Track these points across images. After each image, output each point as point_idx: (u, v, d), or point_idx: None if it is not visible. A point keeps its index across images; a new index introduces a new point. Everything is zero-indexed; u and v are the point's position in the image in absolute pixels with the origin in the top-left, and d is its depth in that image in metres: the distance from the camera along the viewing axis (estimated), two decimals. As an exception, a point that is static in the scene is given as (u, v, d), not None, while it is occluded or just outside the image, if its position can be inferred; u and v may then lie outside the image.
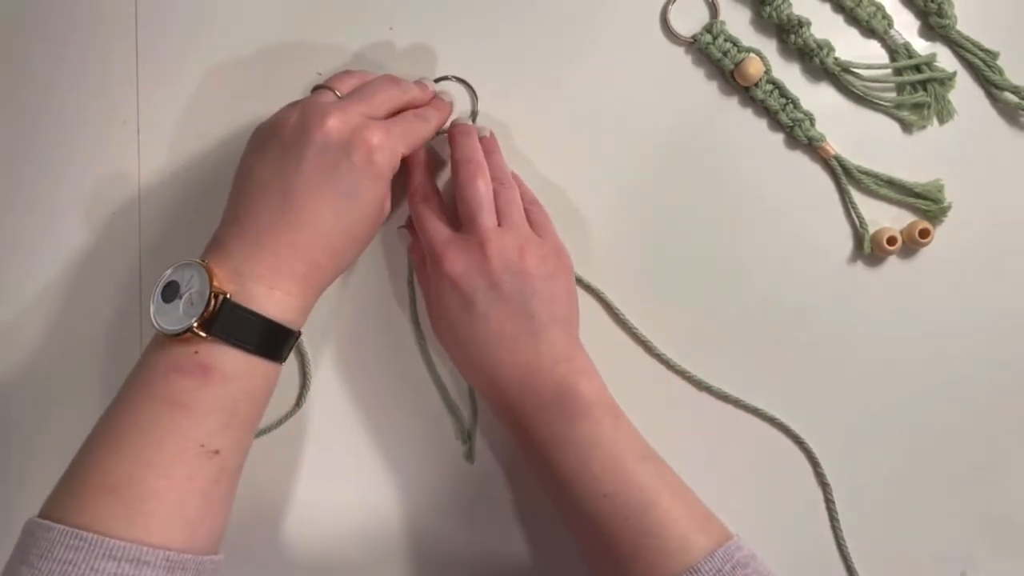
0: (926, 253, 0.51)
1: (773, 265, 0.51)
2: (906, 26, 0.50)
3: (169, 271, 0.41)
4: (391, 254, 0.51)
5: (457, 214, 0.46)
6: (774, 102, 0.50)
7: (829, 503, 0.51)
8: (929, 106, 0.50)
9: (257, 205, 0.42)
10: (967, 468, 0.51)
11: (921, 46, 0.50)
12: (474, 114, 0.50)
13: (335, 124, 0.42)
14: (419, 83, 0.48)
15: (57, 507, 0.38)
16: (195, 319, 0.39)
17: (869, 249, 0.50)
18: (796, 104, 0.50)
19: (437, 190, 0.48)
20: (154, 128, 0.51)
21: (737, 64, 0.49)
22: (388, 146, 0.43)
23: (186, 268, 0.40)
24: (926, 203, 0.50)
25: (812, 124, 0.50)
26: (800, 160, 0.51)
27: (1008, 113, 0.51)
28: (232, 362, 0.40)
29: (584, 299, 0.51)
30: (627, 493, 0.41)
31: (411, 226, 0.49)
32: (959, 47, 0.50)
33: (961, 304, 0.51)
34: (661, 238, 0.51)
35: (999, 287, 0.51)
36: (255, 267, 0.40)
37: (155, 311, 0.40)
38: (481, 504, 0.51)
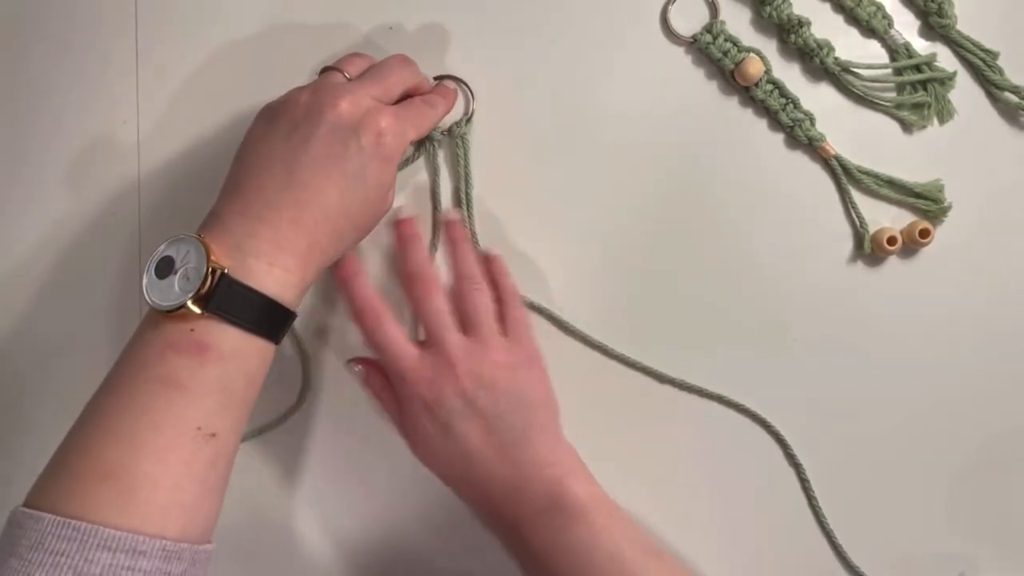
0: (926, 253, 0.51)
1: (773, 265, 0.51)
2: (906, 26, 0.50)
3: (163, 245, 0.39)
4: (391, 257, 0.51)
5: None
6: (774, 102, 0.50)
7: (804, 483, 0.51)
8: (929, 106, 0.50)
9: (261, 180, 0.41)
10: (967, 467, 0.51)
11: (921, 46, 0.50)
12: (471, 112, 0.50)
13: (347, 105, 0.41)
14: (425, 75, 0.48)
15: (46, 496, 0.36)
16: (191, 295, 0.37)
17: (869, 249, 0.50)
18: (796, 104, 0.50)
19: (384, 304, 0.45)
20: (154, 128, 0.51)
21: (737, 64, 0.49)
22: (398, 130, 0.43)
23: (182, 242, 0.39)
24: (926, 203, 0.50)
25: (812, 124, 0.50)
26: (800, 160, 0.51)
27: (1008, 113, 0.51)
28: (229, 340, 0.38)
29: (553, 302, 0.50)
30: None
31: (359, 360, 0.47)
32: (959, 47, 0.50)
33: (961, 304, 0.51)
34: (661, 238, 0.51)
35: (999, 287, 0.51)
36: (256, 243, 0.39)
37: (148, 286, 0.39)
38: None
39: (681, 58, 0.51)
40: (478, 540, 0.50)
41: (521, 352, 0.45)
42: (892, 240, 0.49)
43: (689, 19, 0.50)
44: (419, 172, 0.51)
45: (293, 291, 0.41)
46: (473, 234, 0.51)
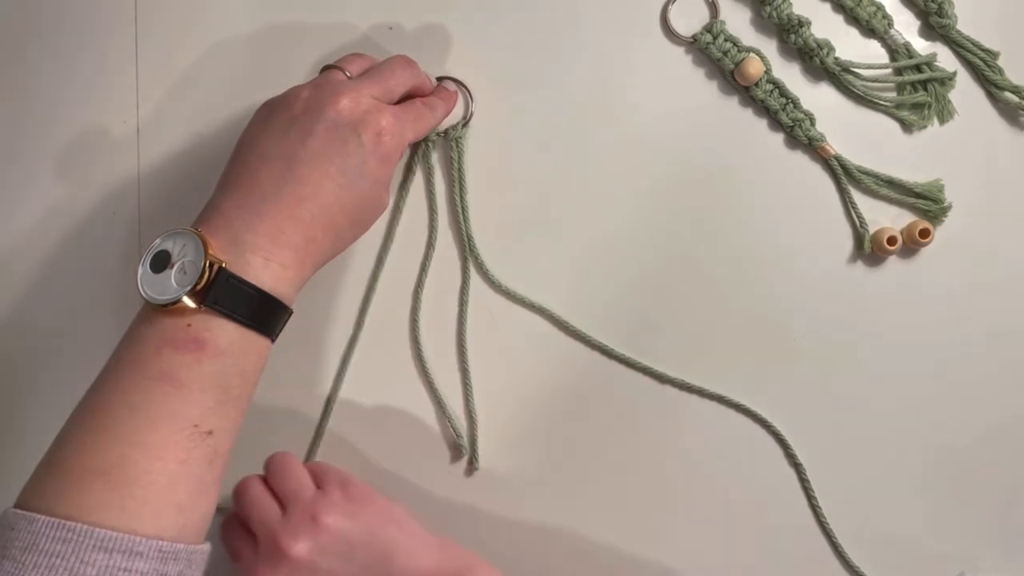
0: (926, 253, 0.51)
1: (773, 265, 0.51)
2: (906, 26, 0.50)
3: (159, 239, 0.39)
4: (392, 270, 0.51)
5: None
6: (774, 102, 0.50)
7: (804, 482, 0.51)
8: (929, 106, 0.50)
9: (259, 174, 0.40)
10: (967, 467, 0.51)
11: (921, 46, 0.50)
12: (470, 115, 0.50)
13: (347, 103, 0.41)
14: (427, 74, 0.48)
15: (40, 495, 0.35)
16: (188, 288, 0.37)
17: (869, 249, 0.50)
18: (796, 104, 0.50)
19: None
20: (154, 128, 0.51)
21: (737, 64, 0.49)
22: (397, 130, 0.43)
23: (178, 236, 0.39)
24: (926, 203, 0.50)
25: (812, 124, 0.50)
26: (800, 160, 0.51)
27: (1008, 113, 0.51)
28: (226, 335, 0.38)
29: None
30: None
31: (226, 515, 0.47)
32: (959, 47, 0.50)
33: (961, 304, 0.51)
34: (660, 238, 0.51)
35: (999, 287, 0.51)
36: (254, 237, 0.39)
37: (143, 280, 0.38)
38: (482, 515, 0.51)
39: (681, 58, 0.51)
40: (478, 550, 0.50)
41: (336, 489, 0.45)
42: (892, 240, 0.49)
43: (689, 19, 0.50)
44: (414, 173, 0.51)
45: (289, 285, 0.40)
46: (469, 237, 0.50)
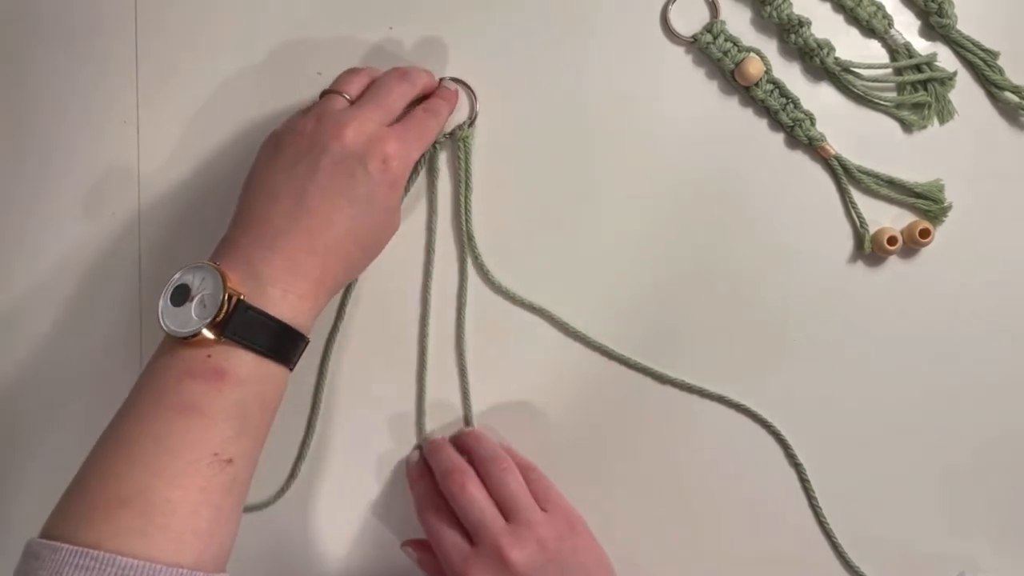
0: (926, 253, 0.51)
1: (773, 265, 0.51)
2: (906, 26, 0.50)
3: (179, 273, 0.40)
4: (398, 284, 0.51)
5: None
6: (774, 102, 0.50)
7: (804, 482, 0.51)
8: (929, 106, 0.50)
9: (270, 211, 0.41)
10: (967, 467, 0.51)
11: (921, 46, 0.50)
12: (475, 114, 0.50)
13: (351, 134, 0.42)
14: (426, 70, 0.48)
15: (63, 524, 0.36)
16: (207, 321, 0.38)
17: (869, 249, 0.50)
18: (796, 104, 0.50)
19: (443, 496, 0.47)
20: (154, 128, 0.51)
21: (737, 64, 0.49)
22: (403, 153, 0.43)
23: (197, 270, 0.40)
24: (926, 203, 0.50)
25: (812, 124, 0.50)
26: (800, 160, 0.51)
27: (1008, 113, 0.51)
28: (245, 365, 0.39)
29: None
30: None
31: (413, 543, 0.50)
32: (959, 47, 0.50)
33: (961, 304, 0.51)
34: (660, 238, 0.51)
35: (999, 287, 0.51)
36: (271, 270, 0.40)
37: (163, 314, 0.40)
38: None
39: (681, 58, 0.51)
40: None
41: (563, 520, 0.46)
42: (892, 240, 0.49)
43: (689, 19, 0.50)
44: (417, 174, 0.51)
45: (305, 315, 0.41)
46: (471, 237, 0.50)
